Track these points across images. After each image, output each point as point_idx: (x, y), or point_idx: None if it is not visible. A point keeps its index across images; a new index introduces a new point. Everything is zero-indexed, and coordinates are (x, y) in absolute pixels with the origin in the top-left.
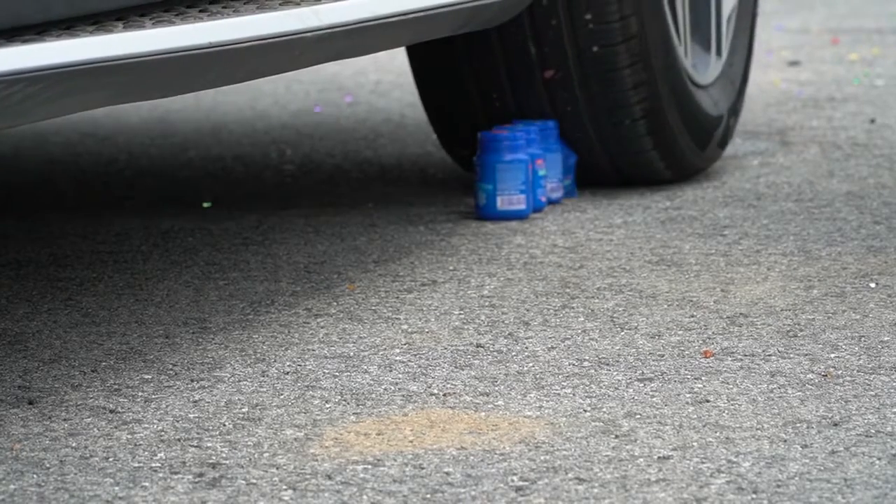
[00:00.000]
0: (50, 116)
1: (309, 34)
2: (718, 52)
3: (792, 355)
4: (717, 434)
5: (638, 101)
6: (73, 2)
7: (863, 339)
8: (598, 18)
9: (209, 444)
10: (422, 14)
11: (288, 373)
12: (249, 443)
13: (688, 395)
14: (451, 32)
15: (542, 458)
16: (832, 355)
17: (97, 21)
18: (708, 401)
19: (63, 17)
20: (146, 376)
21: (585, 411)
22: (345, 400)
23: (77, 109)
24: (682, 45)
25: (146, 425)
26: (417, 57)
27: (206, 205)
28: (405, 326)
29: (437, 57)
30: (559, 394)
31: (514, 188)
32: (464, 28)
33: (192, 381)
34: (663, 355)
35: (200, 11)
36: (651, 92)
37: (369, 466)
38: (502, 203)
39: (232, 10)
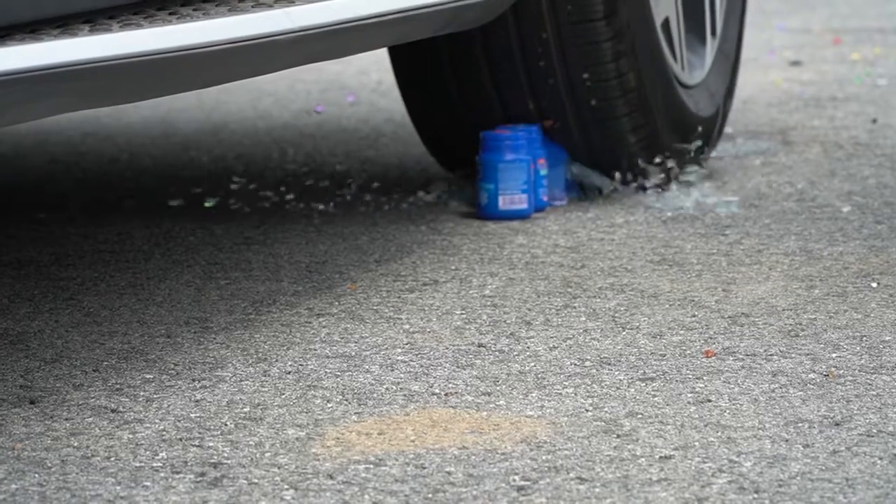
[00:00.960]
0: (11, 122)
1: (281, 37)
2: (713, 33)
3: (793, 355)
4: (719, 434)
5: (637, 140)
6: (39, 4)
7: (864, 338)
8: (595, 77)
9: (211, 444)
10: (400, 15)
11: (290, 372)
12: (251, 442)
13: (689, 395)
14: (432, 34)
15: (543, 457)
16: (834, 355)
17: (63, 24)
18: (710, 400)
19: (28, 21)
20: (148, 376)
21: (587, 411)
22: (346, 399)
23: (41, 115)
24: (679, 63)
25: (148, 425)
26: (401, 65)
27: (207, 204)
28: (407, 326)
29: (423, 77)
30: (561, 393)
31: (515, 188)
32: (445, 29)
33: (194, 380)
34: (665, 355)
35: (170, 14)
36: (649, 131)
37: (371, 466)
38: (504, 203)
39: (202, 12)
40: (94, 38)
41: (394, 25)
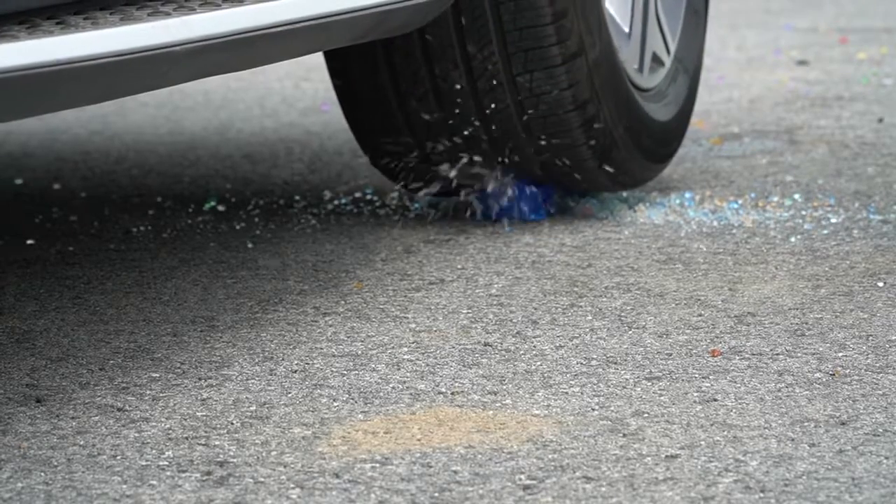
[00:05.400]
0: None
1: (178, 48)
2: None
3: (799, 354)
4: (725, 433)
5: (601, 165)
6: None
7: (870, 338)
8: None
9: (217, 443)
10: (314, 23)
11: (296, 371)
12: (257, 441)
13: (695, 394)
14: (352, 42)
15: (549, 456)
16: (840, 354)
17: None
18: (716, 400)
19: None
20: (154, 374)
21: (593, 410)
22: (353, 398)
23: None
24: (669, 63)
25: (154, 423)
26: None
27: (213, 203)
28: (413, 325)
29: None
30: (567, 392)
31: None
32: (367, 37)
33: (200, 379)
34: (671, 354)
35: (57, 23)
36: (611, 146)
37: (377, 465)
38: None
39: (91, 22)
40: None
41: (308, 33)
